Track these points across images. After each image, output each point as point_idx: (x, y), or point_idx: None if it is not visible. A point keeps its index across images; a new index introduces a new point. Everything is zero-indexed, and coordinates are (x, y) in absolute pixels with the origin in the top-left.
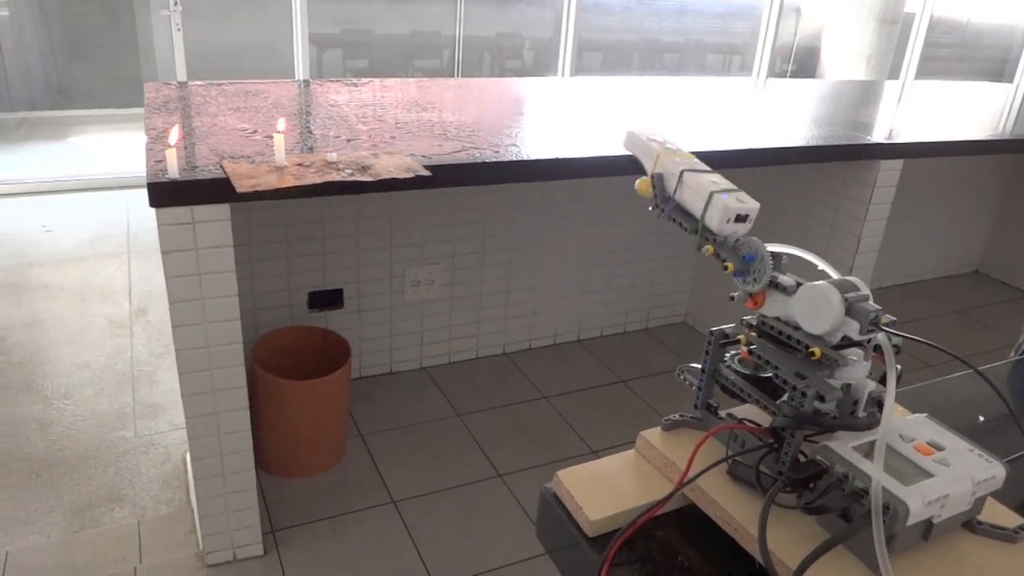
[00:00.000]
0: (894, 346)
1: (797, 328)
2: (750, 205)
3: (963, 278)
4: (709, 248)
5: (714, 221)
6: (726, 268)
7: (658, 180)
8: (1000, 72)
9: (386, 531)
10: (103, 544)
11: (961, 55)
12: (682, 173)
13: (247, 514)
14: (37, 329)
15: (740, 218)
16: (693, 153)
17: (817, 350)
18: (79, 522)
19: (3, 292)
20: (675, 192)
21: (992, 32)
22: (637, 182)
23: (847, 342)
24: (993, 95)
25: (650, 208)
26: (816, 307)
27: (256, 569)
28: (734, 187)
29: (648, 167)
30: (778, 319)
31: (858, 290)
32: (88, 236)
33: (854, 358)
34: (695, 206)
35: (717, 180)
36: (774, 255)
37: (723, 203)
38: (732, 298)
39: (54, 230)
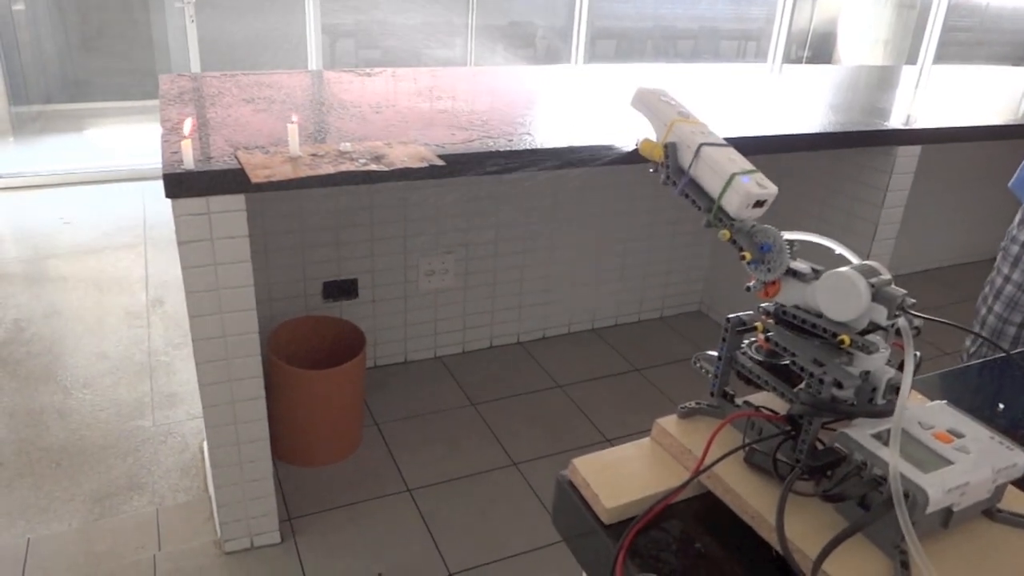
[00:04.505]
0: (914, 328)
1: (820, 315)
2: (770, 190)
3: (982, 265)
4: (726, 233)
5: (733, 205)
6: (743, 258)
7: (672, 150)
8: (1021, 56)
9: (402, 519)
10: (123, 532)
11: (981, 39)
12: (700, 147)
13: (264, 502)
14: (55, 320)
15: (759, 203)
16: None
17: (846, 337)
18: (99, 510)
19: (22, 283)
20: (690, 167)
21: (1012, 15)
22: (640, 141)
23: (872, 327)
24: (1013, 79)
25: (651, 170)
26: (842, 294)
27: (273, 556)
28: (752, 167)
29: (659, 132)
30: (796, 307)
31: (880, 274)
32: (105, 228)
33: (880, 345)
34: (712, 185)
35: (735, 158)
36: (789, 243)
37: (744, 187)
38: (748, 288)
39: (71, 222)
